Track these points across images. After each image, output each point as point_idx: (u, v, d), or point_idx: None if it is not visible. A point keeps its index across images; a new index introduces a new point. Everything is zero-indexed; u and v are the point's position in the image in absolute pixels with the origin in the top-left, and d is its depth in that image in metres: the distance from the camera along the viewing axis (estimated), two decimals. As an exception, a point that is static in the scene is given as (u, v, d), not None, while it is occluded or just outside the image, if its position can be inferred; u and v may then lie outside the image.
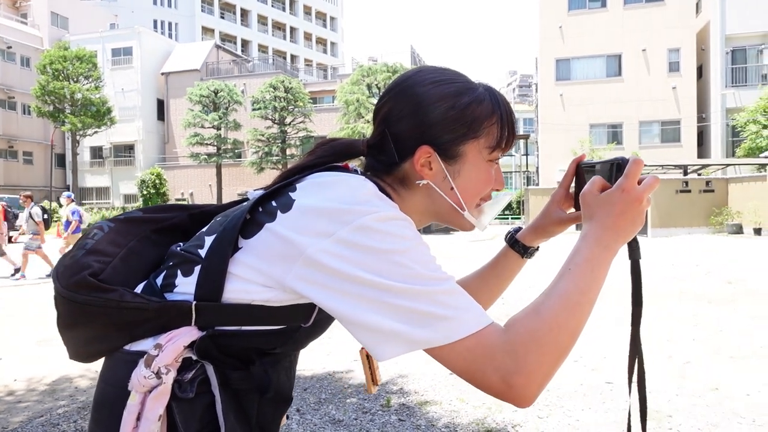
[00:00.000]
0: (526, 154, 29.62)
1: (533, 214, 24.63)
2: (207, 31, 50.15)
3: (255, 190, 0.87)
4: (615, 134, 26.05)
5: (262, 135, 29.56)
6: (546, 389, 3.63)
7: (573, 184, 0.98)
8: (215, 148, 31.12)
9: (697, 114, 25.30)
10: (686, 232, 17.85)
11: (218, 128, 30.68)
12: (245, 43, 53.11)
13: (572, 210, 1.00)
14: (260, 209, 0.80)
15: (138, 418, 0.73)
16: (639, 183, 0.80)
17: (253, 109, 30.02)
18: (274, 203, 0.79)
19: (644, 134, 25.85)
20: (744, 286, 7.60)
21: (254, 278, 0.77)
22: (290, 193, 0.79)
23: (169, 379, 0.74)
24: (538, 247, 1.06)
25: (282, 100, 28.85)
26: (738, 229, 17.26)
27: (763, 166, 17.19)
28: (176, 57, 37.89)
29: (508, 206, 40.95)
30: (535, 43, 28.44)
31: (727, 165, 21.00)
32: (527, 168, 29.84)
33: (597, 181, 0.84)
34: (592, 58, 26.29)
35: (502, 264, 1.07)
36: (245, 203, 0.85)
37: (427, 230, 22.82)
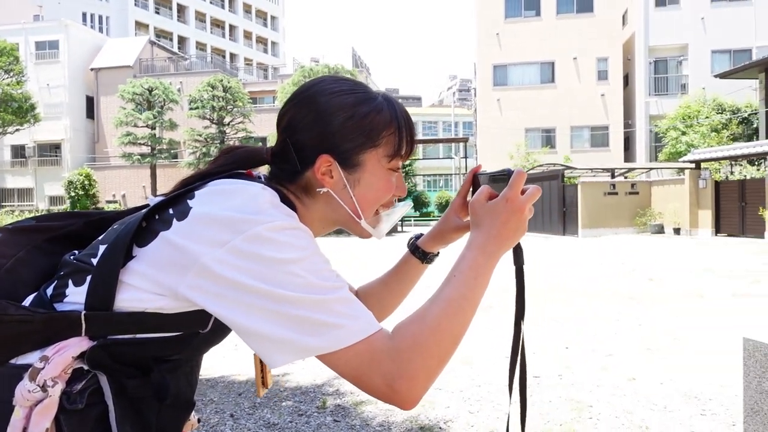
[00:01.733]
0: (465, 157, 30.33)
1: (472, 215, 25.23)
2: (141, 26, 48.21)
3: (156, 196, 0.87)
4: (548, 138, 27.11)
5: (200, 135, 28.75)
6: (477, 385, 3.76)
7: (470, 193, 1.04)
8: (149, 148, 29.97)
9: (623, 120, 26.72)
10: (613, 232, 18.82)
11: (153, 128, 29.55)
12: (182, 40, 51.46)
13: (468, 218, 1.04)
14: (156, 217, 0.80)
15: None
16: (523, 193, 0.85)
17: (190, 109, 29.14)
18: (171, 211, 0.79)
19: (575, 139, 27.04)
20: (662, 283, 8.13)
21: (147, 287, 0.77)
22: (188, 201, 0.79)
23: (55, 391, 0.72)
24: (438, 252, 1.09)
25: (220, 99, 28.17)
26: (660, 229, 18.37)
27: (682, 170, 18.37)
28: (107, 52, 36.19)
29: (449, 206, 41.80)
30: (473, 49, 29.18)
31: (651, 169, 22.31)
32: (466, 170, 30.55)
33: (485, 191, 0.88)
34: (528, 64, 27.24)
35: (404, 270, 1.09)
36: (142, 210, 0.85)
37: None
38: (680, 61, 26.37)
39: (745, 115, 22.26)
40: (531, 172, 22.68)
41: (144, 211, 0.83)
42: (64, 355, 0.74)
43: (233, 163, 0.90)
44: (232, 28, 55.94)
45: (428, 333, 0.74)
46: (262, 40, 59.77)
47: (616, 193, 19.19)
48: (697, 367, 4.02)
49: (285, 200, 0.84)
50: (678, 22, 25.58)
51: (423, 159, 46.86)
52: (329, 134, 0.85)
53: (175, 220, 0.77)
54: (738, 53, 25.11)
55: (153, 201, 0.84)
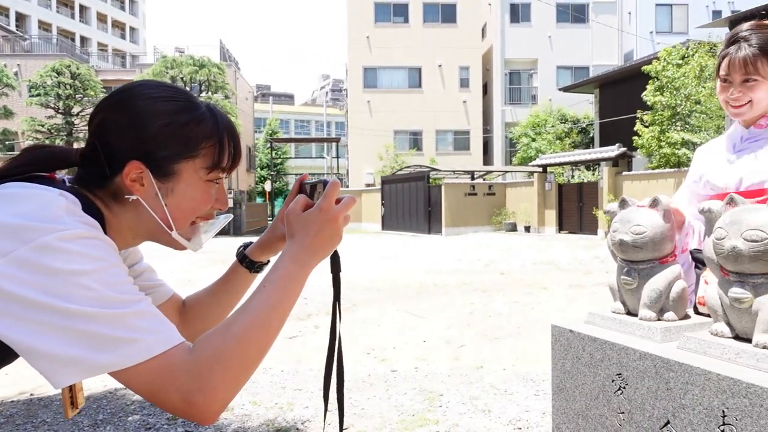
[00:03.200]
0: (337, 157, 30.58)
1: (343, 214, 25.48)
2: (-33, -3, 41.91)
3: None
4: (416, 141, 28.27)
5: (42, 125, 25.69)
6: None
7: None
8: (-22, 137, 26.18)
9: (483, 126, 28.70)
10: (473, 230, 20.14)
11: (-18, 115, 25.84)
12: (21, 18, 45.59)
13: None
14: None
15: None
16: (338, 202, 0.87)
17: (31, 96, 25.93)
18: None
19: (440, 142, 28.51)
20: (512, 276, 8.87)
21: None
22: None
23: None
24: (267, 261, 1.07)
25: (68, 87, 25.40)
26: (513, 227, 20.02)
27: (531, 173, 20.18)
28: None
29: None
30: (345, 50, 29.49)
31: (506, 171, 24.24)
32: (338, 170, 30.80)
33: (300, 200, 0.89)
34: (396, 69, 28.16)
35: (233, 279, 1.07)
36: None
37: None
38: (531, 74, 28.98)
39: (584, 125, 25.07)
40: (399, 173, 23.49)
41: None
42: None
43: (33, 164, 0.82)
44: (83, 8, 50.73)
45: (232, 344, 0.73)
46: (118, 25, 54.98)
47: (476, 194, 20.56)
48: (535, 353, 4.44)
49: (90, 207, 0.79)
50: (529, 38, 28.07)
51: (295, 158, 46.45)
52: (143, 140, 0.81)
53: None
54: (578, 70, 28.19)
55: None
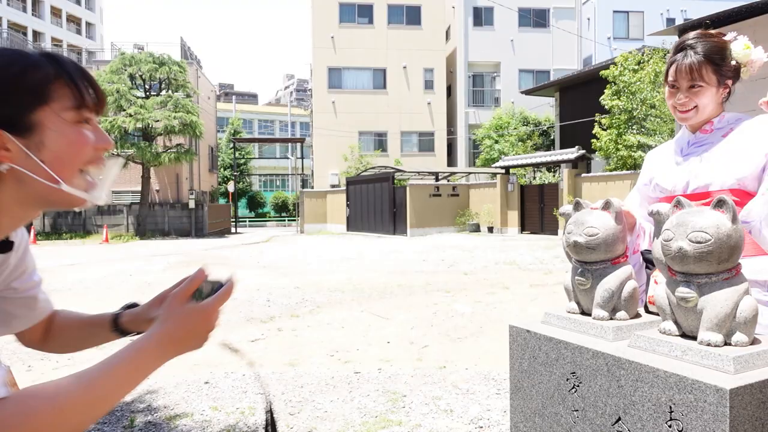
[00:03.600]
0: (302, 157, 30.34)
1: (308, 215, 25.31)
2: None
3: None
4: (381, 142, 28.32)
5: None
6: (300, 386, 3.77)
7: None
8: None
9: (447, 127, 28.97)
10: (437, 231, 20.31)
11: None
12: (-32, 10, 43.61)
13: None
14: None
15: None
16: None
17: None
18: None
19: (405, 143, 28.64)
20: (475, 277, 8.98)
21: None
22: None
23: None
24: (136, 333, 1.01)
25: (19, 83, 24.45)
26: (476, 228, 20.28)
27: (494, 174, 20.49)
28: None
29: (284, 208, 41.45)
30: (309, 50, 29.29)
31: (469, 173, 24.54)
32: (303, 171, 30.57)
33: (187, 289, 0.84)
34: (361, 69, 28.14)
35: (98, 328, 1.04)
36: None
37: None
38: (494, 77, 29.41)
39: (545, 128, 25.60)
40: (364, 174, 23.48)
41: None
42: None
43: None
44: (36, 1, 48.87)
45: (49, 413, 0.66)
46: (74, 19, 53.17)
47: (440, 195, 20.74)
48: (497, 352, 4.51)
49: None
50: (492, 41, 28.50)
51: (259, 158, 45.87)
52: None
53: None
54: (539, 73, 28.78)
55: None
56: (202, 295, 0.84)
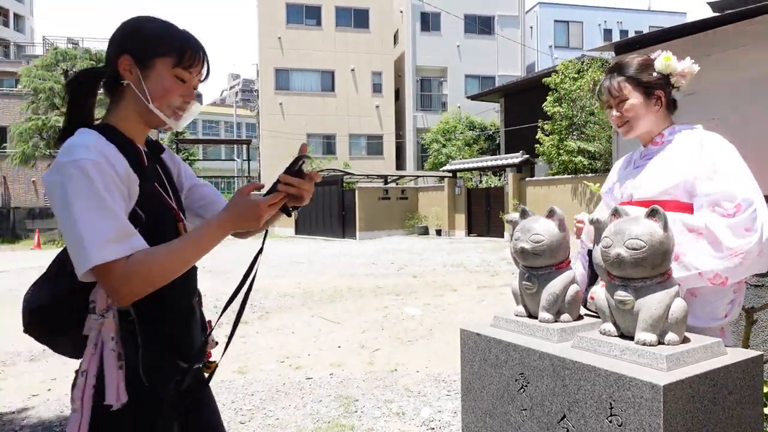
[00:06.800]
0: (248, 160, 29.80)
1: (255, 219, 24.82)
2: None
3: None
4: (329, 145, 28.22)
5: None
6: (250, 393, 3.72)
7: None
8: None
9: (395, 131, 29.20)
10: (387, 234, 20.42)
11: None
12: None
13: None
14: None
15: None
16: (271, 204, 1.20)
17: None
18: None
19: (354, 146, 28.67)
20: (424, 279, 9.10)
21: None
22: None
23: (109, 315, 1.13)
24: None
25: (-59, 78, 22.85)
26: (425, 231, 20.53)
27: (442, 178, 20.81)
28: None
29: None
30: (255, 50, 28.84)
31: (418, 176, 24.81)
32: (249, 173, 30.02)
33: (250, 187, 1.20)
34: (309, 71, 27.95)
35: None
36: None
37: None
38: (441, 82, 29.89)
39: (491, 132, 26.25)
40: (313, 176, 23.25)
41: None
42: (102, 296, 1.13)
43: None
44: (-42, -9, 45.74)
45: (157, 262, 1.10)
46: (1, 11, 50.13)
47: (389, 198, 20.87)
48: (446, 354, 4.60)
49: (112, 132, 1.19)
50: (439, 46, 28.97)
51: (204, 160, 44.63)
52: (131, 41, 1.21)
53: None
54: (485, 79, 29.47)
55: None
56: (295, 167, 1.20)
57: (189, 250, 1.14)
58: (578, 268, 1.81)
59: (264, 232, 1.35)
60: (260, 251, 1.31)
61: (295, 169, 1.19)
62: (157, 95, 1.20)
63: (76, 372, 1.13)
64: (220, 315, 1.34)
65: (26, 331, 1.20)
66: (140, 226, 1.15)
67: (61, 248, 1.20)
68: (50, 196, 1.10)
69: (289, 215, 1.27)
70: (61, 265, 1.16)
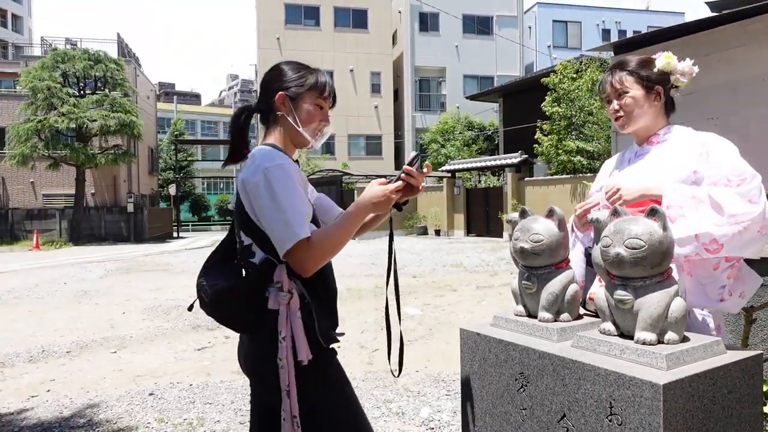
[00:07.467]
0: (248, 160, 29.82)
1: (254, 219, 24.82)
2: None
3: None
4: (328, 145, 28.20)
5: None
6: (249, 394, 3.71)
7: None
8: None
9: (394, 131, 29.21)
10: (386, 234, 20.40)
11: None
12: None
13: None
14: None
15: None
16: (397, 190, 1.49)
17: None
18: None
19: (353, 147, 28.67)
20: (424, 279, 9.10)
21: None
22: None
23: (294, 291, 1.46)
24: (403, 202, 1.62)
25: (-61, 78, 22.81)
26: (424, 231, 20.54)
27: (441, 178, 20.83)
28: None
29: (229, 212, 40.52)
30: (254, 51, 28.83)
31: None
32: (248, 173, 30.04)
33: (380, 180, 1.51)
34: (308, 72, 27.93)
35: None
36: None
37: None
38: (440, 82, 29.91)
39: (489, 132, 26.26)
40: (311, 177, 23.31)
41: None
42: (286, 277, 1.44)
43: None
44: (-44, -8, 45.65)
45: (324, 239, 1.43)
46: None
47: (388, 198, 20.85)
48: (446, 354, 4.60)
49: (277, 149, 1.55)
50: (438, 47, 28.98)
51: (202, 160, 44.65)
52: (283, 81, 1.57)
53: None
54: (484, 79, 29.49)
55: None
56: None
57: (343, 230, 1.46)
58: (575, 256, 1.79)
59: (390, 219, 1.67)
60: (391, 237, 1.65)
61: (413, 164, 1.49)
62: (304, 121, 1.55)
63: (277, 336, 1.43)
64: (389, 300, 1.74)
65: (207, 309, 1.52)
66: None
67: (218, 244, 1.60)
68: (254, 191, 1.42)
69: (400, 210, 1.60)
70: (230, 259, 1.56)
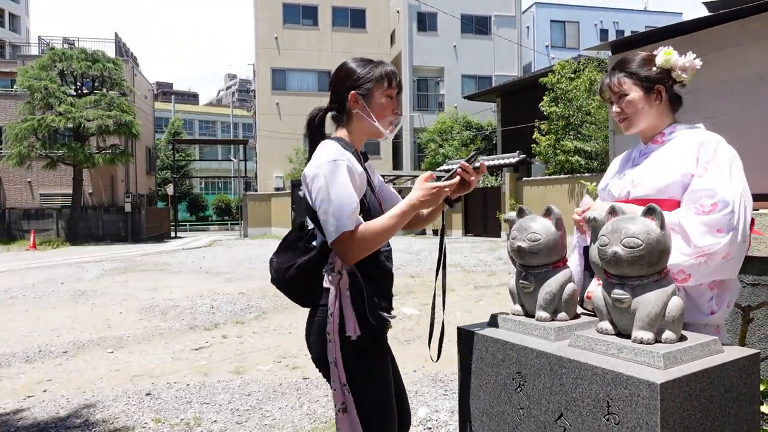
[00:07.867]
0: (245, 160, 29.72)
1: (251, 219, 24.84)
2: None
3: None
4: (326, 145, 28.15)
5: None
6: (247, 394, 3.71)
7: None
8: None
9: (392, 131, 29.16)
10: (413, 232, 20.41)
11: None
12: None
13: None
14: None
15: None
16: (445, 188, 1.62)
17: None
18: None
19: (351, 146, 28.60)
20: (422, 279, 9.10)
21: None
22: None
23: (344, 272, 1.61)
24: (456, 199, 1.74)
25: (-65, 78, 22.73)
26: (422, 231, 20.53)
27: (439, 178, 20.81)
28: None
29: (227, 211, 40.49)
30: (252, 50, 28.81)
31: (415, 176, 24.81)
32: (246, 173, 29.97)
33: (428, 175, 1.65)
34: (306, 71, 27.94)
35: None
36: None
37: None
38: (438, 82, 29.90)
39: (487, 132, 26.27)
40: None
41: None
42: (336, 258, 1.60)
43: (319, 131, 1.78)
44: (-47, -9, 45.51)
45: (370, 232, 1.56)
46: (-4, 11, 49.84)
47: (386, 198, 20.84)
48: (443, 353, 4.58)
49: (347, 145, 1.68)
50: (436, 47, 28.97)
51: (200, 160, 44.60)
52: (352, 80, 1.68)
53: None
54: (482, 79, 29.48)
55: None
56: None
57: (388, 225, 1.57)
58: (574, 260, 1.80)
59: (442, 214, 1.82)
60: (442, 231, 1.74)
61: (471, 161, 1.60)
62: (379, 115, 1.67)
63: (326, 311, 1.60)
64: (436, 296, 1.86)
65: (275, 283, 1.70)
66: (363, 210, 1.60)
67: (290, 229, 1.76)
68: (312, 183, 1.57)
69: (451, 206, 1.69)
70: (298, 241, 1.71)
